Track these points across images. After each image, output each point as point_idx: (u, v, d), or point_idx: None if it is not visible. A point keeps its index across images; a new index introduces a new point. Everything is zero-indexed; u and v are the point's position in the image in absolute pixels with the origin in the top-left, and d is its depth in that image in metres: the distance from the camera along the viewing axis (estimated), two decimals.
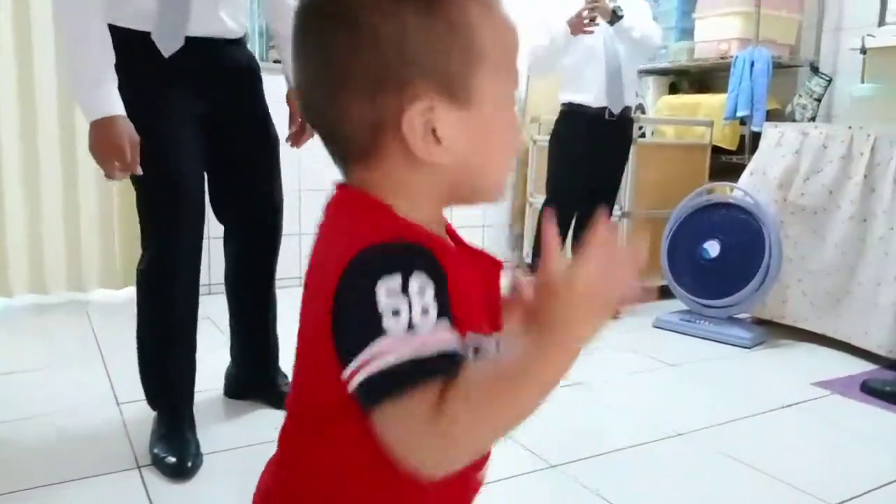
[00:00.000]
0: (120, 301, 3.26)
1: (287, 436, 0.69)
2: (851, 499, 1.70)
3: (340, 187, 0.66)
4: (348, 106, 0.62)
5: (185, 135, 1.79)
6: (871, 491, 1.74)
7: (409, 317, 0.55)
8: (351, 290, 0.57)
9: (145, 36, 1.71)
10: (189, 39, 1.75)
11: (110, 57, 1.63)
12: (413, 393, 0.54)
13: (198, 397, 1.93)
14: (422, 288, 0.56)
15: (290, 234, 2.20)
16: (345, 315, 0.58)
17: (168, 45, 1.74)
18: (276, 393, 2.14)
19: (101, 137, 1.58)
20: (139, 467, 1.73)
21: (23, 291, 3.24)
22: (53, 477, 1.67)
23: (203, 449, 1.79)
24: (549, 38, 3.04)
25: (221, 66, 1.86)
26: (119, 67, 1.65)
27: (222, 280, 2.13)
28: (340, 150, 0.66)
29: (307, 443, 0.66)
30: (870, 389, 2.42)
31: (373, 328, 0.55)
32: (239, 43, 1.93)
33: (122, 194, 3.26)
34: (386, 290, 0.55)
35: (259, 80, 1.98)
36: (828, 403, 2.34)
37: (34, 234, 3.21)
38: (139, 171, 1.63)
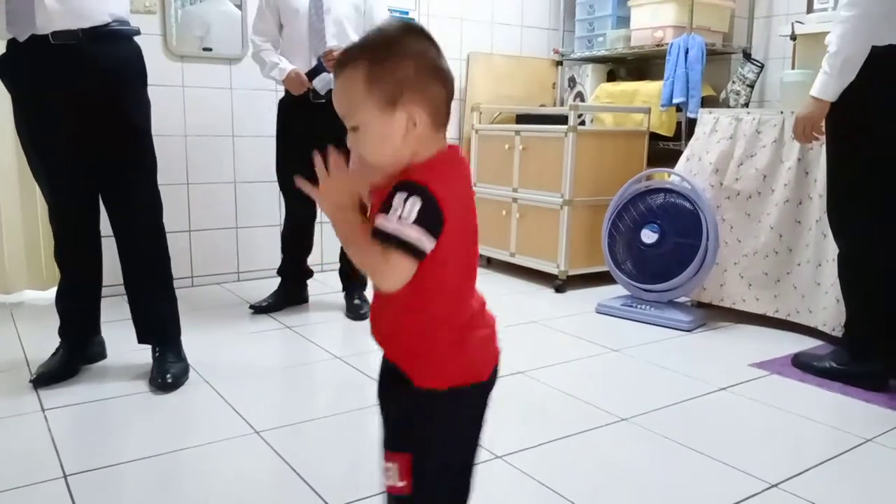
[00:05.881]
0: (47, 302, 3.11)
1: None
2: (790, 478, 1.72)
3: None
4: None
5: (53, 137, 2.11)
6: (808, 469, 1.78)
7: None
8: None
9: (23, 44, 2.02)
10: (47, 37, 2.00)
11: None
12: None
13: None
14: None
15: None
16: None
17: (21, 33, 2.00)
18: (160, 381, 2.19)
19: None
20: (65, 476, 1.65)
21: None
22: None
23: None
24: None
25: (82, 66, 2.05)
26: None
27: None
28: None
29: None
30: (800, 364, 2.49)
31: None
32: (101, 35, 2.06)
33: None
34: None
35: (120, 74, 2.12)
36: (766, 384, 2.38)
37: None
38: None
